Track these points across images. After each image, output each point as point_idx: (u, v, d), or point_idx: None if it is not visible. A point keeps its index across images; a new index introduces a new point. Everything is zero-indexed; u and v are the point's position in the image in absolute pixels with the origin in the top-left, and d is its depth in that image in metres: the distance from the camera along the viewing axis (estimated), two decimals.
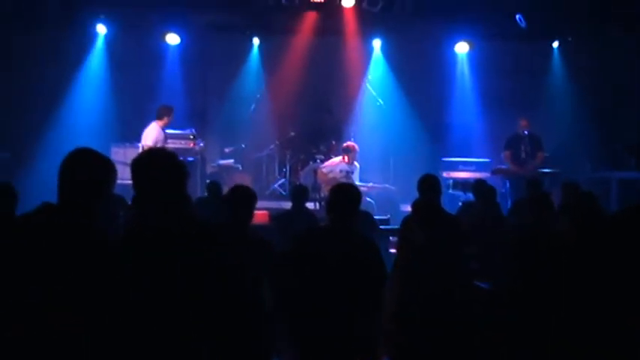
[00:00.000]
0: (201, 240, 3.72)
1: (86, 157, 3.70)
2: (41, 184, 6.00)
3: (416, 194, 7.38)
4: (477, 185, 9.78)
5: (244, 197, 5.89)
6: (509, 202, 12.44)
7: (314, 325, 5.38)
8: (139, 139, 12.72)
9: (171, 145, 13.29)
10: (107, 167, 3.72)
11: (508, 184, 13.48)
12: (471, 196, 10.78)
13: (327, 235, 5.68)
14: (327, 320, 5.34)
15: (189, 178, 3.81)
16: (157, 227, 3.60)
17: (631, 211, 4.68)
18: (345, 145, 13.39)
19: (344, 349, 5.40)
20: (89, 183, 3.62)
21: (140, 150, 11.96)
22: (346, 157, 13.04)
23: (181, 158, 3.90)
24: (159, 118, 12.68)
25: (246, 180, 14.55)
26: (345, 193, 5.73)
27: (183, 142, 14.06)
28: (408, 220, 7.08)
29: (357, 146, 13.27)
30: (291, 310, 5.50)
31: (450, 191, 13.66)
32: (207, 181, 12.33)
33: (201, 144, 14.55)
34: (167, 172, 3.63)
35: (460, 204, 11.51)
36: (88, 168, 3.64)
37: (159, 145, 12.18)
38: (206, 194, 10.89)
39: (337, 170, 13.01)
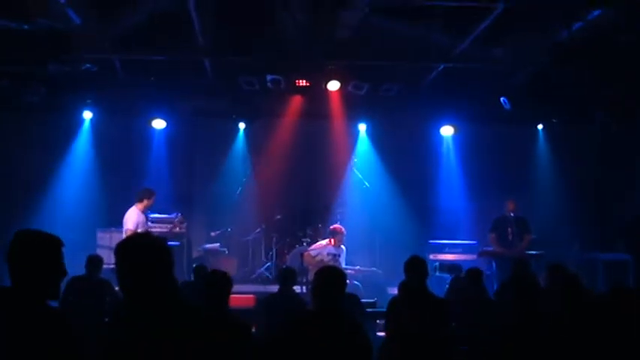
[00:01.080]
0: (187, 327, 3.65)
1: (26, 240, 3.74)
2: None
3: (402, 276, 7.35)
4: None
5: (218, 282, 5.95)
6: (495, 284, 12.38)
7: None
8: None
9: (157, 229, 13.29)
10: (49, 247, 3.75)
11: (494, 266, 13.43)
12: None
13: (313, 319, 5.63)
14: None
15: (174, 263, 3.77)
16: (140, 314, 3.55)
17: (615, 293, 4.69)
18: (331, 227, 13.33)
19: None
20: (32, 264, 3.66)
21: (124, 234, 11.93)
22: (333, 240, 12.97)
23: (167, 243, 3.87)
24: (139, 201, 12.66)
25: (232, 264, 14.51)
26: (329, 276, 5.70)
27: (168, 226, 14.05)
28: (394, 301, 7.06)
29: (343, 229, 13.22)
30: None
31: (437, 274, 13.60)
32: (194, 265, 12.25)
33: (186, 227, 14.50)
34: (150, 258, 3.60)
35: (447, 286, 11.47)
36: (28, 250, 3.69)
37: (140, 229, 12.20)
38: (192, 278, 10.82)
39: (324, 253, 12.91)
